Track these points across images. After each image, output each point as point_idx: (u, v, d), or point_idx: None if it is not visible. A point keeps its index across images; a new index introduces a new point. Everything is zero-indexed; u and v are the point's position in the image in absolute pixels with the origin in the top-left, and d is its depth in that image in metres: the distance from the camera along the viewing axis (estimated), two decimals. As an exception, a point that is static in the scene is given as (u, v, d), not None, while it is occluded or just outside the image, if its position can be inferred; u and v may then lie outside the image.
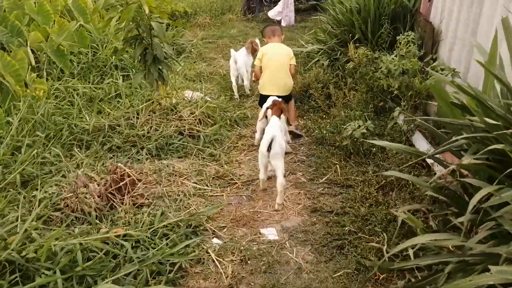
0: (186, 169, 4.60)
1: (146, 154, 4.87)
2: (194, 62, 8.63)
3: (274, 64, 5.24)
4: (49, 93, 5.99)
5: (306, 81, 6.65)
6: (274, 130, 4.16)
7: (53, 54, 6.69)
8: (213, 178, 4.52)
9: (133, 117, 5.26)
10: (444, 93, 2.97)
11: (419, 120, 3.43)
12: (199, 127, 5.32)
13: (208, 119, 5.57)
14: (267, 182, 4.42)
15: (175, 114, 5.38)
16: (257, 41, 6.95)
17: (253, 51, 6.85)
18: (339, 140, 4.99)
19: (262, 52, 5.37)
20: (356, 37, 6.83)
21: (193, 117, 5.40)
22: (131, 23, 4.94)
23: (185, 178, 4.46)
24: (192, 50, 9.05)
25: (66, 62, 6.77)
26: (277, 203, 4.10)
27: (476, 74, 4.35)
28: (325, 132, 5.25)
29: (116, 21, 7.00)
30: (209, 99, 6.69)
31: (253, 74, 5.82)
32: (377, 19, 6.81)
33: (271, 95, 4.97)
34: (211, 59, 8.88)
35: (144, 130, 5.09)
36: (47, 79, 6.43)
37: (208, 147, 5.08)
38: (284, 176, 4.23)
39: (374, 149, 4.71)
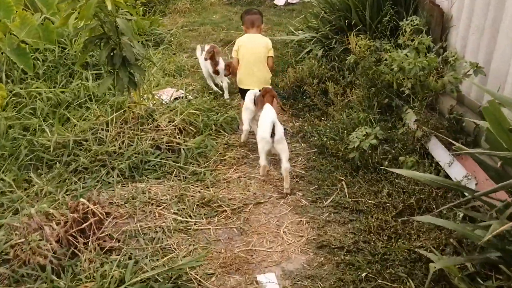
0: (165, 195, 3.80)
1: (118, 175, 4.05)
2: (174, 54, 7.74)
3: (251, 56, 4.90)
4: (8, 100, 5.12)
5: (298, 75, 5.82)
6: (272, 115, 3.99)
7: (13, 53, 5.77)
8: (197, 205, 3.71)
9: (102, 129, 4.41)
10: (501, 117, 2.19)
11: (471, 152, 2.65)
12: (179, 138, 4.50)
13: (190, 127, 4.74)
14: (268, 170, 4.21)
15: (151, 124, 4.55)
16: (219, 48, 6.05)
17: (213, 60, 6.08)
18: (342, 150, 4.22)
19: (239, 43, 4.97)
20: (353, 23, 6.01)
21: (172, 126, 4.57)
22: (95, 19, 4.07)
23: (163, 207, 3.66)
24: (172, 40, 8.13)
25: (28, 62, 5.84)
26: (285, 188, 3.96)
27: (500, 69, 3.58)
28: (325, 139, 4.46)
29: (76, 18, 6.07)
30: (191, 97, 5.87)
31: (229, 67, 5.45)
32: (375, 3, 5.97)
33: (250, 89, 4.77)
34: (193, 50, 7.96)
35: (115, 145, 4.26)
36: (6, 83, 5.54)
37: (190, 163, 4.28)
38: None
39: (387, 162, 3.93)
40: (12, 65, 5.77)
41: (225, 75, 5.86)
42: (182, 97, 5.80)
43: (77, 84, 5.50)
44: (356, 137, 3.97)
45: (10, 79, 5.63)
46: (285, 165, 3.90)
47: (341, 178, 3.98)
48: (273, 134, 3.85)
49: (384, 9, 5.86)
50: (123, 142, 4.28)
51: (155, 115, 4.67)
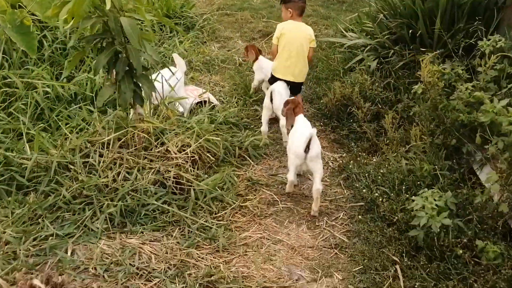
0: (161, 261, 2.77)
1: (106, 220, 3.04)
2: (204, 43, 6.62)
3: (293, 47, 4.44)
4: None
5: (346, 91, 4.66)
6: (309, 127, 3.48)
7: (13, 32, 4.74)
8: (200, 284, 2.67)
9: (96, 151, 3.39)
10: None
11: None
12: (192, 172, 3.44)
13: (208, 154, 3.68)
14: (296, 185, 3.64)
15: (158, 148, 3.50)
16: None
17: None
18: (398, 214, 3.10)
19: (282, 30, 4.48)
20: (418, 34, 4.78)
21: (185, 153, 3.51)
22: (97, 13, 3.00)
23: (155, 285, 2.64)
24: (204, 25, 6.99)
25: (31, 42, 4.75)
26: (313, 210, 3.40)
27: None
28: (376, 194, 3.35)
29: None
30: (217, 102, 4.80)
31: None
32: (449, 13, 4.72)
33: (285, 80, 4.47)
34: (226, 39, 6.84)
35: (108, 177, 3.24)
36: (1, 67, 4.55)
37: (201, 210, 3.23)
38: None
39: (461, 251, 2.80)
40: (11, 44, 4.76)
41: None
42: (207, 101, 4.74)
43: (86, 77, 4.49)
44: (422, 208, 2.84)
45: (8, 63, 4.63)
46: (317, 186, 3.34)
47: (395, 259, 2.88)
48: (307, 149, 3.31)
49: (459, 22, 4.63)
50: (118, 173, 3.25)
51: (167, 133, 3.62)
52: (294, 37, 4.44)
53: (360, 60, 5.28)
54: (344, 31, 6.09)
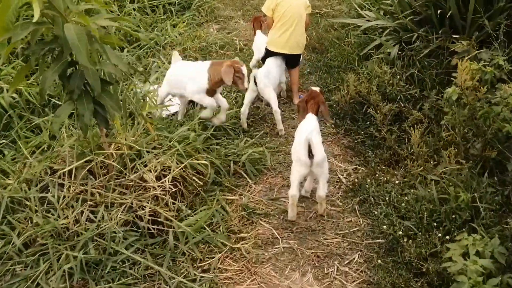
0: None
1: (63, 278, 2.42)
2: (201, 24, 5.86)
3: (290, 18, 4.07)
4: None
5: (362, 87, 3.91)
6: (309, 131, 2.88)
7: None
8: None
9: (54, 185, 2.74)
10: None
11: None
12: (173, 205, 2.78)
13: (194, 178, 3.01)
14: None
15: (132, 174, 2.84)
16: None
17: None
18: (427, 259, 2.43)
19: (275, 1, 4.10)
20: (448, 15, 3.96)
21: (165, 180, 2.84)
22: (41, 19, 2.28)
23: None
24: (202, 4, 6.20)
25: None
26: (319, 213, 3.02)
27: None
28: (400, 232, 2.66)
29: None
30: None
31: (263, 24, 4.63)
32: (485, -11, 3.90)
33: (282, 53, 4.13)
34: (227, 19, 6.07)
35: (68, 217, 2.60)
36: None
37: (182, 256, 2.59)
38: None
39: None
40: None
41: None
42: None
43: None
44: (462, 269, 2.15)
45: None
46: (321, 192, 2.93)
47: (426, 327, 2.23)
48: (311, 154, 2.82)
49: (500, 1, 3.81)
50: (82, 212, 2.61)
51: (143, 154, 2.95)
52: (291, 6, 4.06)
53: (378, 45, 4.49)
54: (359, 9, 5.25)
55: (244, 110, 3.89)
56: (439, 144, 3.36)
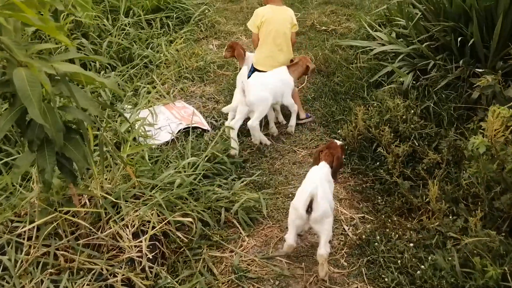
0: None
1: None
2: (200, 40, 5.43)
3: (276, 35, 3.90)
4: None
5: (372, 122, 3.47)
6: (315, 186, 2.46)
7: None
8: None
9: (13, 245, 2.32)
10: None
11: None
12: (151, 270, 2.36)
13: (178, 233, 2.58)
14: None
15: (107, 229, 2.42)
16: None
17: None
18: None
19: (261, 18, 3.90)
20: (470, 44, 3.52)
21: (139, 241, 2.41)
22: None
23: None
24: (202, 18, 5.77)
25: None
26: (320, 277, 2.54)
27: None
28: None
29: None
30: (206, 126, 3.71)
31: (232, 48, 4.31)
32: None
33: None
34: (227, 35, 5.64)
35: None
36: None
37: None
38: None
39: None
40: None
41: (225, 57, 4.42)
42: (194, 128, 3.66)
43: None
44: None
45: None
46: (321, 251, 2.51)
47: None
48: (310, 209, 2.46)
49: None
50: (41, 282, 2.19)
51: (121, 205, 2.53)
52: (276, 24, 3.88)
53: (390, 73, 4.05)
54: (369, 29, 4.80)
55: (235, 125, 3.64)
56: (458, 193, 2.92)
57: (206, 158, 3.25)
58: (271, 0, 3.96)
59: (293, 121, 3.89)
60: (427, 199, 2.93)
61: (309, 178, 2.74)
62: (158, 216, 2.56)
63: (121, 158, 2.68)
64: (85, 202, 2.47)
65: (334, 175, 2.81)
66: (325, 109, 4.18)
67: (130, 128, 3.46)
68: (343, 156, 2.90)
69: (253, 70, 4.02)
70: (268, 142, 3.77)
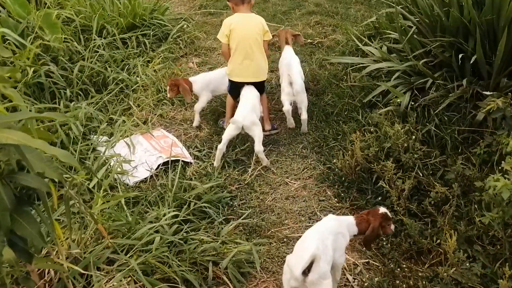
0: None
1: None
2: (179, 58, 5.04)
3: (246, 42, 3.68)
4: None
5: (371, 151, 3.13)
6: (319, 242, 2.14)
7: None
8: None
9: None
10: None
11: None
12: None
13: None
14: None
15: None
16: None
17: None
18: None
19: (230, 26, 3.69)
20: (472, 61, 3.20)
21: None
22: None
23: None
24: (181, 34, 5.37)
25: None
26: None
27: None
28: None
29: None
30: (188, 159, 3.35)
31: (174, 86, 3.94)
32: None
33: (244, 82, 3.72)
34: (208, 51, 5.25)
35: None
36: None
37: None
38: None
39: None
40: None
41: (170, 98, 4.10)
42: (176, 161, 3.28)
43: None
44: None
45: None
46: None
47: None
48: (307, 271, 2.07)
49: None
50: None
51: (91, 274, 2.13)
52: (245, 31, 3.68)
53: (385, 93, 3.71)
54: (358, 42, 4.45)
55: (222, 147, 3.47)
56: (472, 232, 2.60)
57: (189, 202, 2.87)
58: (238, 9, 3.75)
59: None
60: (438, 241, 2.60)
61: (314, 232, 2.30)
62: (136, 283, 2.18)
63: (92, 215, 2.28)
64: (50, 276, 2.07)
65: (366, 243, 2.46)
66: (316, 133, 3.83)
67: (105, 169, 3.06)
68: (387, 225, 2.51)
69: (230, 83, 3.82)
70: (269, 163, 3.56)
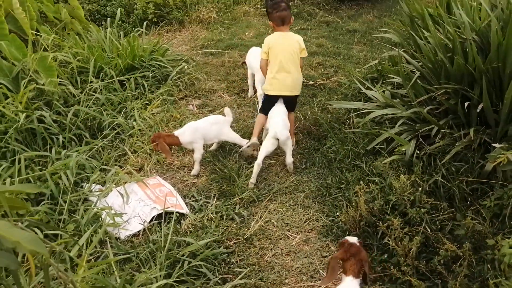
0: None
1: None
2: (178, 101, 4.95)
3: (284, 57, 3.90)
4: None
5: (375, 203, 2.97)
6: None
7: None
8: None
9: None
10: None
11: None
12: None
13: None
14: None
15: None
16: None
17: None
18: None
19: (269, 44, 3.95)
20: (479, 110, 3.07)
21: None
22: None
23: None
24: (181, 76, 5.30)
25: None
26: None
27: None
28: None
29: None
30: (184, 210, 3.21)
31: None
32: (526, 75, 3.02)
33: (280, 95, 3.96)
34: (209, 93, 5.16)
35: None
36: None
37: None
38: None
39: None
40: None
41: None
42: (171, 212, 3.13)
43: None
44: None
45: None
46: None
47: None
48: None
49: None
50: None
51: None
52: (283, 48, 3.93)
53: (388, 141, 3.58)
54: (361, 86, 4.35)
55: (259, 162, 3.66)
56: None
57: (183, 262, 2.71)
58: (278, 28, 4.01)
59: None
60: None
61: None
62: None
63: (74, 283, 2.12)
64: None
65: (366, 280, 2.32)
66: (319, 181, 3.68)
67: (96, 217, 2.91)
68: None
69: (265, 97, 4.06)
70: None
